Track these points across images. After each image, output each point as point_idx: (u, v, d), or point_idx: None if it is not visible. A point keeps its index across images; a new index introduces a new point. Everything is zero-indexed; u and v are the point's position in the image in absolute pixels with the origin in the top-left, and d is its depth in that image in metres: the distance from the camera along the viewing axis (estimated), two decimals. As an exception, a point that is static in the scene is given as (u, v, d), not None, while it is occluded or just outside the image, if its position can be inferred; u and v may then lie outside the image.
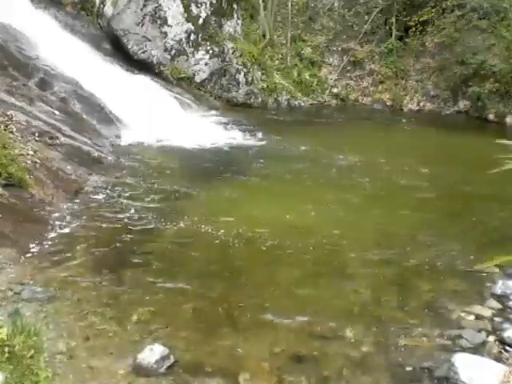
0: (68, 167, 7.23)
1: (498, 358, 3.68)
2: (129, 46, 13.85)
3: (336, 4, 18.06)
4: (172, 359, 3.56)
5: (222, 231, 5.79)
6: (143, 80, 12.69)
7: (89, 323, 3.96)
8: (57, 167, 7.03)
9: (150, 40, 14.01)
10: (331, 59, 17.40)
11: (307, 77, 16.66)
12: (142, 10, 13.98)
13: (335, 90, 16.83)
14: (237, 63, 15.05)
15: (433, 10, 15.94)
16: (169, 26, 14.18)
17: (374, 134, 12.13)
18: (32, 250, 5.02)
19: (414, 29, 16.50)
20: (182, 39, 14.38)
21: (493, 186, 7.68)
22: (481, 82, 14.29)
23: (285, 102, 15.78)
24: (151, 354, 3.52)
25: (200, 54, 14.61)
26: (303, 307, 4.36)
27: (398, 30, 16.98)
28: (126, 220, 6.02)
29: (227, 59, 14.93)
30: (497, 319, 4.28)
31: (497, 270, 5.12)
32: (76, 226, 5.75)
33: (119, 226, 5.86)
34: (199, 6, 14.73)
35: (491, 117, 14.04)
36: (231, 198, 7.18)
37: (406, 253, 5.52)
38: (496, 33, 14.43)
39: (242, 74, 15.11)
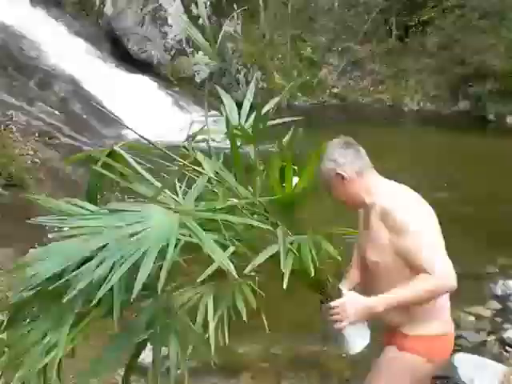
0: (68, 167, 7.24)
1: (498, 358, 3.68)
2: (129, 46, 13.85)
3: (336, 4, 18.05)
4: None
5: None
6: (143, 80, 12.70)
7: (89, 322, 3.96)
8: (57, 167, 7.04)
9: (150, 40, 14.02)
10: (331, 59, 17.40)
11: (307, 77, 16.66)
12: (141, 10, 13.99)
13: (335, 90, 16.83)
14: (237, 63, 15.05)
15: (433, 10, 15.94)
16: (169, 26, 14.19)
17: (376, 134, 12.13)
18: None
19: (413, 29, 16.50)
20: (181, 39, 14.39)
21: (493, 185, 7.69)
22: (481, 82, 14.27)
23: (285, 102, 15.77)
24: (151, 354, 3.51)
25: (200, 54, 14.61)
26: (300, 305, 4.36)
27: (398, 30, 16.97)
28: (126, 220, 6.02)
29: (227, 59, 14.93)
30: (497, 319, 4.28)
31: (497, 269, 5.13)
32: (76, 226, 5.75)
33: (119, 226, 5.86)
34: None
35: (491, 117, 14.03)
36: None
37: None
38: (496, 33, 14.43)
39: (242, 73, 15.11)
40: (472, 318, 4.28)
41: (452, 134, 12.33)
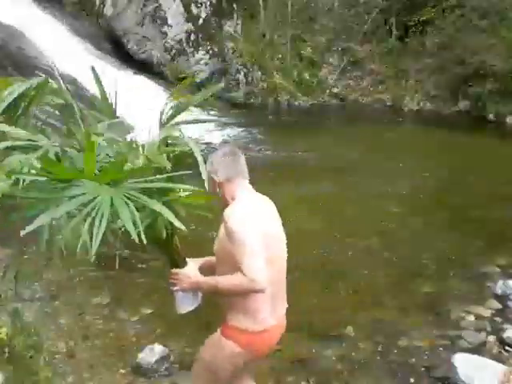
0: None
1: (498, 358, 3.67)
2: (129, 46, 13.86)
3: (336, 4, 18.05)
4: (172, 359, 3.56)
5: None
6: (143, 80, 12.70)
7: (89, 323, 3.96)
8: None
9: (150, 40, 14.02)
10: (331, 59, 17.40)
11: (307, 77, 16.66)
12: (141, 9, 13.99)
13: (335, 90, 16.83)
14: (237, 63, 15.05)
15: (433, 10, 15.94)
16: (169, 25, 14.19)
17: (376, 134, 12.14)
18: (32, 250, 5.02)
19: (413, 29, 16.51)
20: (181, 39, 14.39)
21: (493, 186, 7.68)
22: (481, 82, 14.27)
23: (285, 102, 15.78)
24: (151, 354, 3.51)
25: (200, 54, 14.61)
26: (301, 306, 4.35)
27: (398, 30, 16.98)
28: (125, 220, 6.01)
29: (227, 59, 14.93)
30: (497, 319, 4.27)
31: (497, 269, 5.13)
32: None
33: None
34: (199, 6, 14.74)
35: (491, 117, 14.03)
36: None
37: (406, 253, 5.52)
38: (496, 33, 14.42)
39: (242, 73, 15.11)
40: (472, 318, 4.27)
41: (452, 133, 12.33)
